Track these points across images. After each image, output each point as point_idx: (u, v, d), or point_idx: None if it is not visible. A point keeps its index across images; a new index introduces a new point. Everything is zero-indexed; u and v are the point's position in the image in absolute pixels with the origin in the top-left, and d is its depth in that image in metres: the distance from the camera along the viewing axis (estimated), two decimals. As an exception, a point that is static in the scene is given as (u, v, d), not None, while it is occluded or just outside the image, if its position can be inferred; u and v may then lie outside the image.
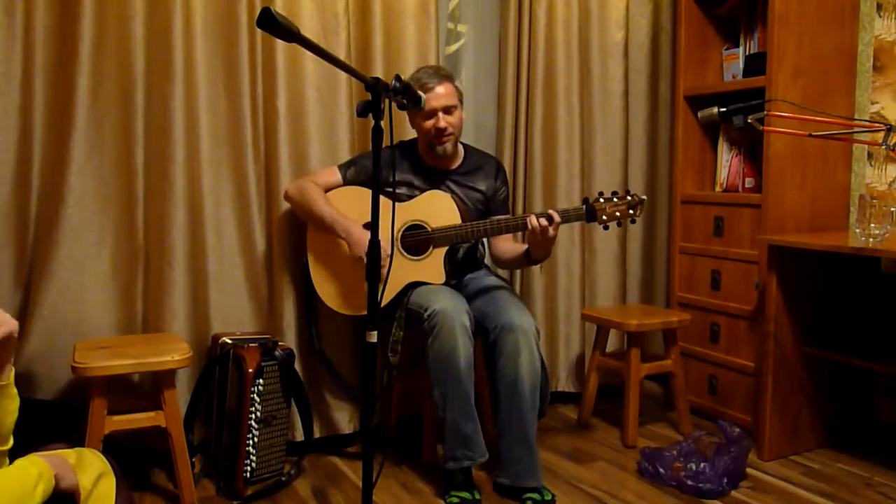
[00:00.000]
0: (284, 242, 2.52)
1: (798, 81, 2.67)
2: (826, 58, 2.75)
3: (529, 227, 2.20)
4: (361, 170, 2.43)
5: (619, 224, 2.29)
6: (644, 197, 2.30)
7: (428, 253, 2.35)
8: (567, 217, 2.25)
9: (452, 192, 2.43)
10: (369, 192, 2.28)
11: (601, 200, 2.27)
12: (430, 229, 2.34)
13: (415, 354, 2.48)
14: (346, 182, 2.41)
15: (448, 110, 2.34)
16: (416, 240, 2.35)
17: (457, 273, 2.45)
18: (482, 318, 2.30)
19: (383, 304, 2.32)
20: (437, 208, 2.36)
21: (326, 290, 2.40)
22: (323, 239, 2.38)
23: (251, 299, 2.55)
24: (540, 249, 2.29)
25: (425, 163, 2.47)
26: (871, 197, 2.36)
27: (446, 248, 2.35)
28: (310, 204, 2.33)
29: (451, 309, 2.16)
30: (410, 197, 2.41)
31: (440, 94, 2.32)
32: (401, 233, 2.35)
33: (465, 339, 2.16)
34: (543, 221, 2.18)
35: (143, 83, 2.31)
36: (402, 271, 2.34)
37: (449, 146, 2.38)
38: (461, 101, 2.40)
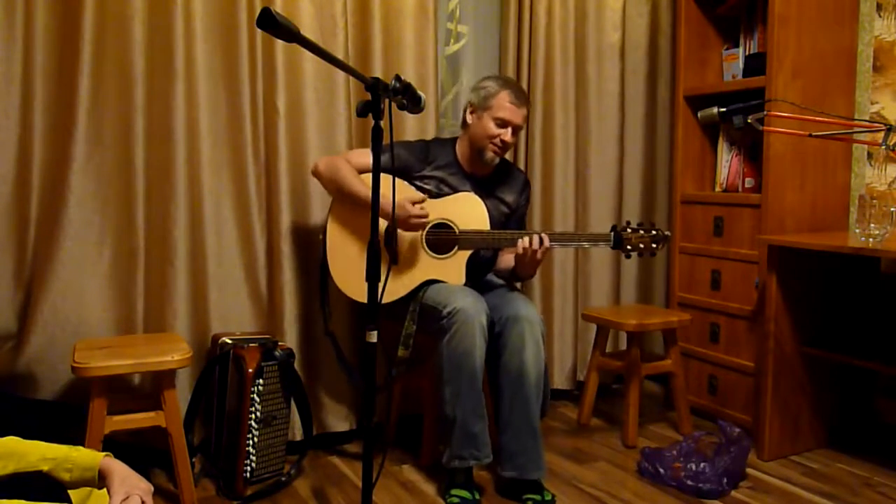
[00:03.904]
0: (284, 242, 2.52)
1: (798, 81, 2.67)
2: (826, 58, 2.75)
3: (519, 247, 2.26)
4: (395, 158, 2.41)
5: (640, 255, 2.37)
6: (668, 233, 2.39)
7: (451, 253, 2.34)
8: (594, 241, 2.37)
9: (481, 199, 2.42)
10: (399, 180, 2.36)
11: (628, 230, 2.35)
12: (457, 231, 2.34)
13: (418, 351, 2.47)
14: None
15: (516, 130, 2.40)
16: (442, 238, 2.35)
17: (473, 277, 2.44)
18: (489, 309, 2.29)
19: (399, 297, 2.33)
20: (468, 211, 2.36)
21: (339, 271, 2.37)
22: (346, 218, 2.36)
23: (251, 299, 2.55)
24: (526, 269, 2.37)
25: (460, 164, 2.47)
26: (871, 197, 2.36)
27: (470, 251, 2.35)
28: (345, 182, 2.31)
29: (472, 308, 2.16)
30: (439, 194, 2.40)
31: (521, 113, 2.39)
32: (427, 229, 2.35)
33: (482, 340, 2.17)
34: (535, 244, 2.25)
35: (143, 83, 2.31)
36: (422, 267, 2.34)
37: (497, 158, 2.43)
38: None
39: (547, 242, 2.26)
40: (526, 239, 2.25)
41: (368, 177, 2.36)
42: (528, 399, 2.20)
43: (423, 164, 2.42)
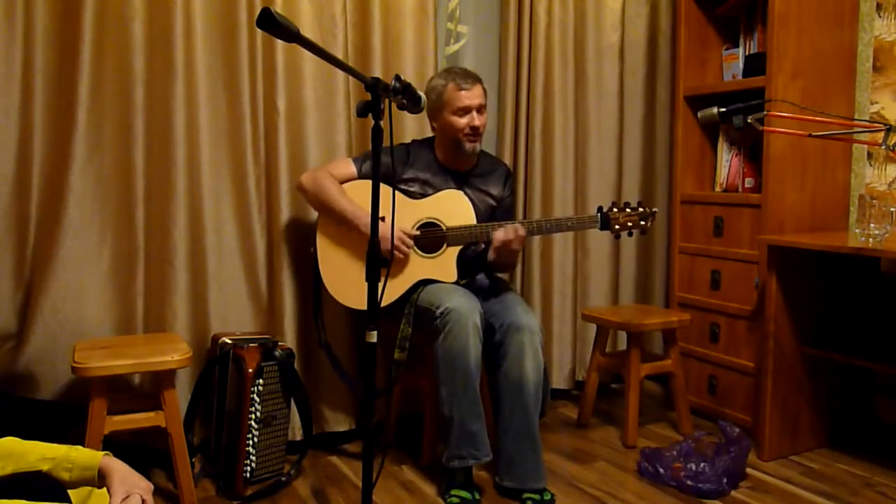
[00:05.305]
0: (284, 242, 2.52)
1: (798, 81, 2.67)
2: (826, 58, 2.75)
3: (497, 240, 2.26)
4: (380, 165, 2.41)
5: (629, 234, 2.37)
6: (655, 209, 2.39)
7: (441, 251, 2.35)
8: (582, 224, 2.36)
9: (465, 193, 2.43)
10: (384, 186, 2.29)
11: (615, 210, 2.36)
12: (444, 228, 2.35)
13: (417, 352, 2.48)
14: (361, 175, 2.41)
15: (480, 110, 2.38)
16: (430, 237, 2.36)
17: (466, 273, 2.45)
18: (488, 316, 2.30)
19: (394, 299, 2.33)
20: (453, 207, 2.37)
21: (334, 281, 2.38)
22: (333, 231, 2.37)
23: (251, 299, 2.55)
24: (505, 259, 2.38)
25: (441, 162, 2.47)
26: (871, 197, 2.36)
27: (459, 247, 2.36)
28: (329, 198, 2.33)
29: (464, 308, 2.17)
30: (424, 195, 2.41)
31: (476, 93, 2.37)
32: (415, 229, 2.36)
33: (475, 339, 2.17)
34: (511, 234, 2.25)
35: (143, 83, 2.31)
36: (414, 268, 2.34)
37: (477, 145, 2.42)
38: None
39: (521, 232, 2.27)
40: (501, 231, 2.27)
41: (352, 185, 2.38)
42: (527, 408, 2.21)
43: (405, 166, 2.44)
